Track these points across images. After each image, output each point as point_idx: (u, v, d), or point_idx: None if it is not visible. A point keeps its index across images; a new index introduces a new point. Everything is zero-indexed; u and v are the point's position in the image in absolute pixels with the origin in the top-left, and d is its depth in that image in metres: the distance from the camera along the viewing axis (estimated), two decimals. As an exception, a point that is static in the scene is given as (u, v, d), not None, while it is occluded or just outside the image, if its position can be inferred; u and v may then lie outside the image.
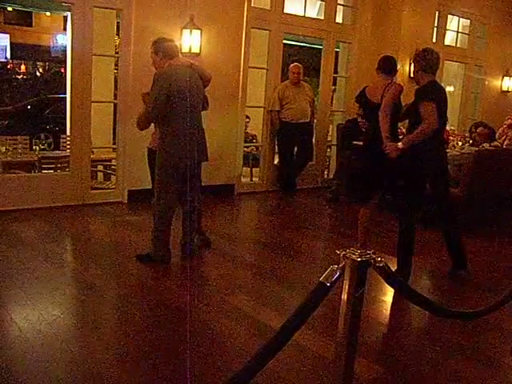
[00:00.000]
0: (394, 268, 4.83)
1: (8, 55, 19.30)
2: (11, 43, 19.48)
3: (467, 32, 11.29)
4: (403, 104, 5.41)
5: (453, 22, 11.16)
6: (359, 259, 2.11)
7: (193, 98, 4.91)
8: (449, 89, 11.51)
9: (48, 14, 19.03)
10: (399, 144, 4.82)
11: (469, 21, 11.20)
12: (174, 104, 4.80)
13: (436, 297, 4.71)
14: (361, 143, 8.02)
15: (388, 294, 4.63)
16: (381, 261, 2.21)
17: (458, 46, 11.19)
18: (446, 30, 10.77)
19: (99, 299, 4.32)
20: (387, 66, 5.25)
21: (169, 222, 5.08)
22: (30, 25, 21.46)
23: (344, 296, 2.16)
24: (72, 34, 6.76)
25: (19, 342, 3.46)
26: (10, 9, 17.28)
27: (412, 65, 9.21)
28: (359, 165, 5.39)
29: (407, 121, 5.23)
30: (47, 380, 3.02)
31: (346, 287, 2.14)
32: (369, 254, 2.15)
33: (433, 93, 4.80)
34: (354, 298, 2.15)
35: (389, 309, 4.53)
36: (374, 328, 4.04)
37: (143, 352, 3.43)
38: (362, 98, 5.37)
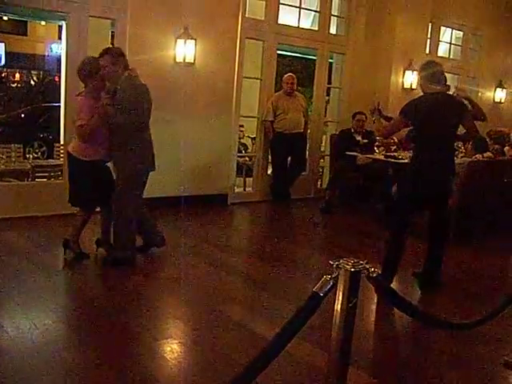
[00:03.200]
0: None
1: (2, 63, 19.30)
2: (6, 52, 19.49)
3: (460, 44, 11.39)
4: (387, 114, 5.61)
5: (446, 34, 11.25)
6: (352, 269, 2.12)
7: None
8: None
9: (43, 23, 19.05)
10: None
11: (461, 32, 11.30)
12: (149, 112, 5.01)
13: (428, 307, 4.71)
14: (355, 154, 8.12)
15: (380, 304, 4.62)
16: (374, 271, 2.22)
17: (452, 57, 11.27)
18: (439, 41, 10.85)
19: (92, 308, 4.31)
20: None
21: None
22: (25, 34, 21.48)
23: (337, 306, 2.16)
24: (67, 43, 6.78)
25: (10, 351, 3.44)
26: (5, 18, 17.27)
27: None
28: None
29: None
30: (39, 390, 3.01)
31: (340, 297, 2.15)
32: (362, 264, 2.16)
33: (412, 108, 4.84)
34: (347, 308, 2.15)
35: (382, 319, 4.53)
36: (368, 338, 4.04)
37: (136, 361, 3.41)
38: None
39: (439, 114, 4.80)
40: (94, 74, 4.97)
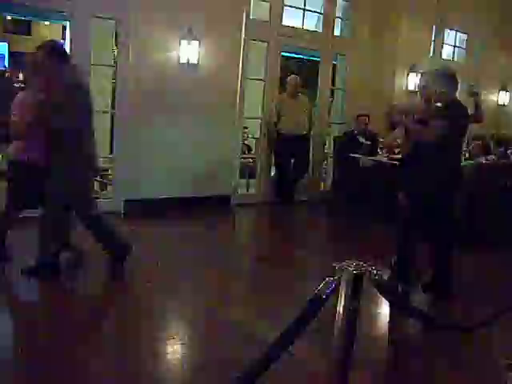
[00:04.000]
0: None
1: (6, 63, 19.30)
2: (10, 52, 19.50)
3: (464, 46, 11.38)
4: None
5: (450, 36, 11.23)
6: (355, 272, 2.11)
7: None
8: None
9: (47, 23, 19.05)
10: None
11: (466, 35, 11.29)
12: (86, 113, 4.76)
13: (431, 309, 4.70)
14: (358, 156, 8.10)
15: (383, 307, 4.61)
16: (376, 273, 2.21)
17: (456, 60, 11.25)
18: (443, 43, 10.84)
19: (92, 309, 4.30)
20: None
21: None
22: (29, 34, 21.50)
23: (339, 308, 2.15)
24: (70, 43, 6.76)
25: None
26: (8, 18, 17.30)
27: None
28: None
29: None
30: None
31: (342, 300, 2.14)
32: (364, 266, 2.15)
33: (451, 112, 4.77)
34: (350, 310, 2.14)
35: (384, 321, 4.52)
36: (369, 340, 4.02)
37: (137, 361, 3.40)
38: None
39: (464, 122, 4.91)
40: (36, 71, 4.70)
